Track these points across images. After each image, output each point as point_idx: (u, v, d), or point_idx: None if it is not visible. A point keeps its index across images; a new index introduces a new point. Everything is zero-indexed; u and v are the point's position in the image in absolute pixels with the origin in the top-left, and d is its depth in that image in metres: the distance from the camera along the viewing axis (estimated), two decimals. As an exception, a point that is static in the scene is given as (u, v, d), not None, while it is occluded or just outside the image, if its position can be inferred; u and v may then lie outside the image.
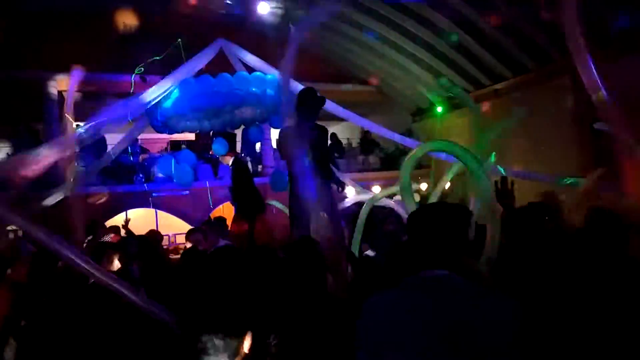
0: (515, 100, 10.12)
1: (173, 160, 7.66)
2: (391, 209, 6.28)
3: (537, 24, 8.63)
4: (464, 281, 1.56)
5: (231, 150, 7.01)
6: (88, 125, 5.61)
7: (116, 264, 4.22)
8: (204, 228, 5.58)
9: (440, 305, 1.50)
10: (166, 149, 12.88)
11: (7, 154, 10.87)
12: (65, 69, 10.82)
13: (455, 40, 8.12)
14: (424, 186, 10.08)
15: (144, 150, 12.23)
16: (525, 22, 8.70)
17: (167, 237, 11.46)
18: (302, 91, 4.53)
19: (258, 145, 12.19)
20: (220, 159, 7.14)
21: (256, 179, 8.24)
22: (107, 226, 7.98)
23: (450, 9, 9.07)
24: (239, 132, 11.11)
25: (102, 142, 9.86)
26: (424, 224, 1.67)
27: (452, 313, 1.48)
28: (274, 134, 12.54)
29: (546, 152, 8.92)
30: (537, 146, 9.15)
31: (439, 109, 12.49)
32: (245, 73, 6.97)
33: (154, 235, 6.67)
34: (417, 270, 1.61)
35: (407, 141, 8.57)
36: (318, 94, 4.61)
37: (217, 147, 7.03)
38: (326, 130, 4.76)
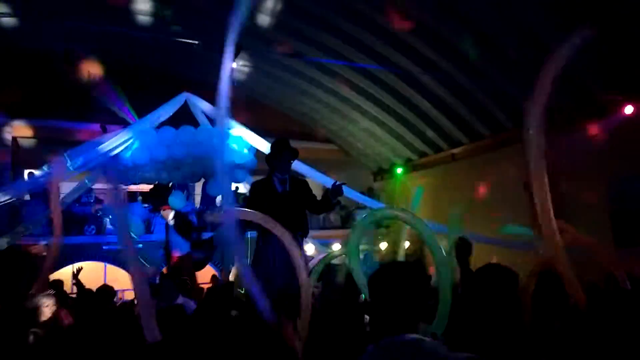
0: (471, 164, 10.52)
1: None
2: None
3: (491, 94, 9.18)
4: (435, 346, 1.52)
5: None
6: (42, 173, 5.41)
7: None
8: (155, 283, 5.33)
9: None
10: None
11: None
12: (21, 115, 10.62)
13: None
14: (383, 246, 10.06)
15: (99, 201, 11.81)
16: (479, 92, 9.23)
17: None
18: (275, 142, 4.27)
19: (218, 199, 12.00)
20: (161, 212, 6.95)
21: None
22: (50, 280, 7.47)
23: (412, 78, 9.52)
24: (199, 186, 10.99)
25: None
26: (384, 286, 1.63)
27: None
28: (234, 188, 12.45)
29: (500, 216, 9.18)
30: (491, 210, 9.42)
31: (399, 170, 12.81)
32: (208, 126, 6.98)
33: (107, 290, 6.26)
34: (382, 335, 1.55)
35: (368, 200, 8.67)
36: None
37: (174, 199, 6.88)
38: (306, 183, 4.40)
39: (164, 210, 6.81)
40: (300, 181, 4.38)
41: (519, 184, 9.42)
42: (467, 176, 10.39)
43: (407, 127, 11.50)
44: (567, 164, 7.60)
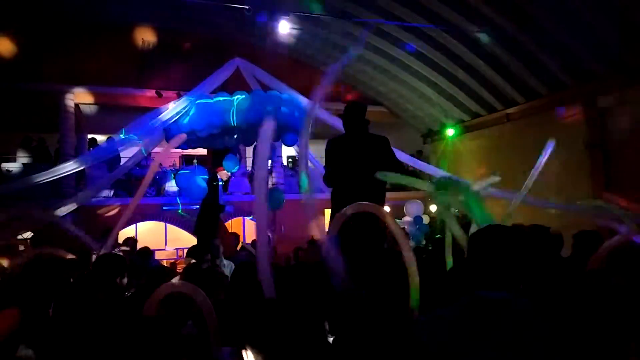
0: (527, 125, 10.16)
1: (190, 175, 7.73)
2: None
3: (550, 50, 8.71)
4: (524, 304, 1.59)
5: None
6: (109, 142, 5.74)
7: None
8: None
9: (501, 329, 1.53)
10: (174, 164, 13.04)
11: (22, 164, 11.04)
12: (82, 82, 11.12)
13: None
14: (433, 208, 9.97)
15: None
16: (537, 48, 8.78)
17: (175, 250, 11.52)
18: (363, 104, 4.18)
19: (269, 162, 12.26)
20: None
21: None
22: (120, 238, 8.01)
23: (464, 34, 9.18)
24: (250, 149, 11.25)
25: (116, 155, 9.98)
26: (487, 245, 1.70)
27: (512, 337, 1.52)
28: (286, 151, 12.65)
29: (557, 178, 8.90)
30: (548, 172, 9.13)
31: (450, 132, 12.55)
32: (260, 91, 7.07)
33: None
34: (473, 289, 1.64)
35: (417, 163, 8.61)
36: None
37: (228, 163, 7.09)
38: (384, 141, 4.04)
39: (219, 172, 7.05)
40: (378, 137, 4.15)
41: (578, 145, 9.05)
42: (522, 137, 10.05)
43: (459, 87, 11.17)
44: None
